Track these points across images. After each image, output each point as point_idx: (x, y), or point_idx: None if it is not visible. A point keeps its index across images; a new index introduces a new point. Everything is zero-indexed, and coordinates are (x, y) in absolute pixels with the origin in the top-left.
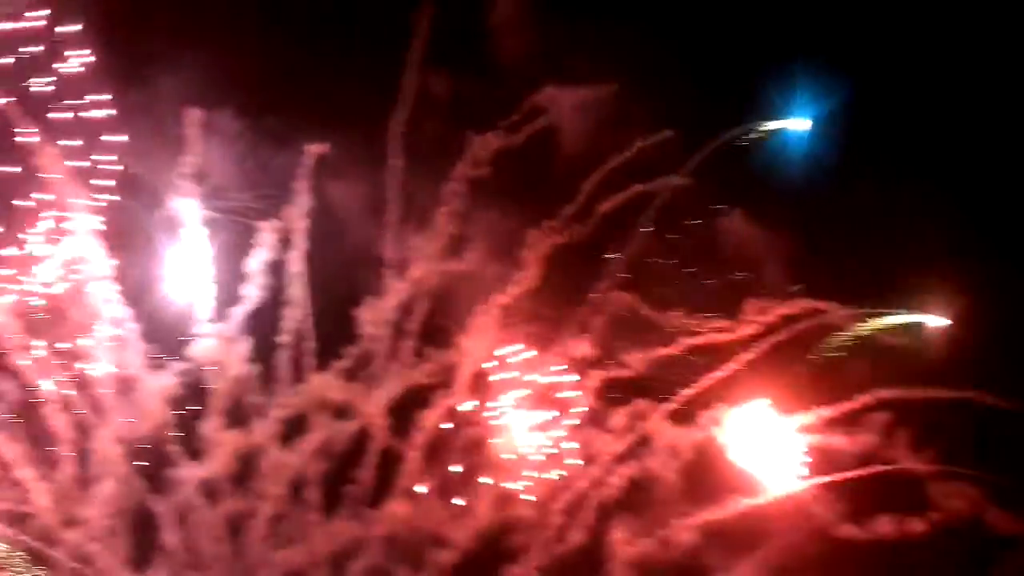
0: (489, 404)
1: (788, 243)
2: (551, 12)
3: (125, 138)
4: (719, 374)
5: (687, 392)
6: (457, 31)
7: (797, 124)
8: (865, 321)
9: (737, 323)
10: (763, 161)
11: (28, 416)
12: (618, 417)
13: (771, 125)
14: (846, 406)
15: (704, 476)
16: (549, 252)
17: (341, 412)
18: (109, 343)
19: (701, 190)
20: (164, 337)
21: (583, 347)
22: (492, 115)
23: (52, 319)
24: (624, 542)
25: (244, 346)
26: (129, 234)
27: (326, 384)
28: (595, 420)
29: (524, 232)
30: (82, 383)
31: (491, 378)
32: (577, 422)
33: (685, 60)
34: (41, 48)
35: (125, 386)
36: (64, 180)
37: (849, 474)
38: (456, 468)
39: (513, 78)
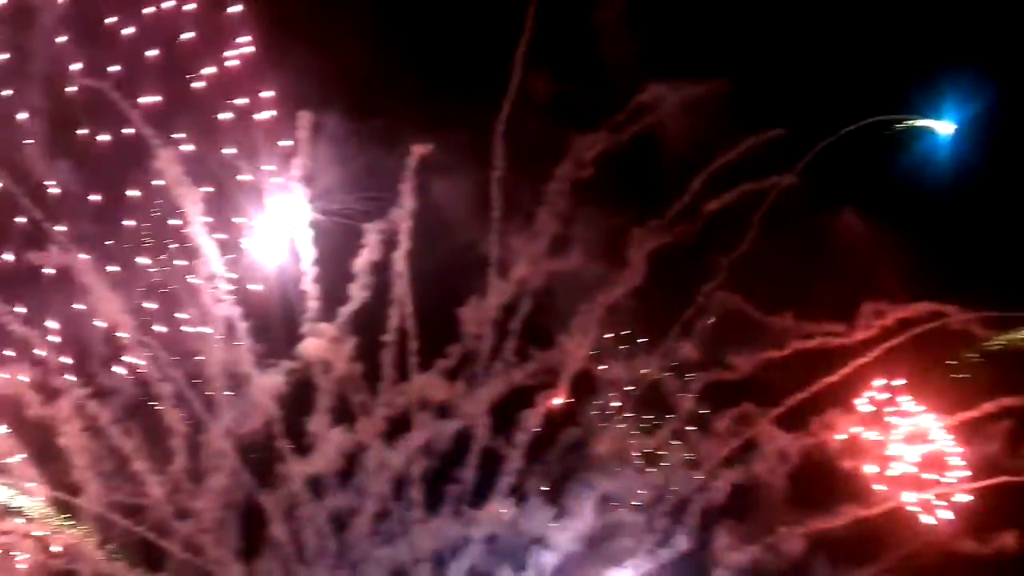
0: (591, 404)
1: (908, 244)
2: (657, 8)
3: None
4: (832, 378)
5: (797, 396)
6: (562, 30)
7: (939, 126)
8: (992, 327)
9: (852, 326)
10: (883, 160)
11: (143, 412)
12: (724, 421)
13: (910, 122)
14: (969, 413)
15: (814, 483)
16: (654, 251)
17: (443, 411)
18: (220, 341)
19: (815, 189)
20: (273, 336)
21: (688, 348)
22: (597, 114)
23: (166, 317)
24: (729, 548)
25: (350, 345)
26: (239, 234)
27: (429, 383)
28: (700, 423)
29: (628, 231)
30: (195, 380)
31: (593, 379)
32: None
33: (796, 56)
34: None
35: (236, 383)
36: (175, 177)
37: (971, 484)
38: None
39: (618, 77)
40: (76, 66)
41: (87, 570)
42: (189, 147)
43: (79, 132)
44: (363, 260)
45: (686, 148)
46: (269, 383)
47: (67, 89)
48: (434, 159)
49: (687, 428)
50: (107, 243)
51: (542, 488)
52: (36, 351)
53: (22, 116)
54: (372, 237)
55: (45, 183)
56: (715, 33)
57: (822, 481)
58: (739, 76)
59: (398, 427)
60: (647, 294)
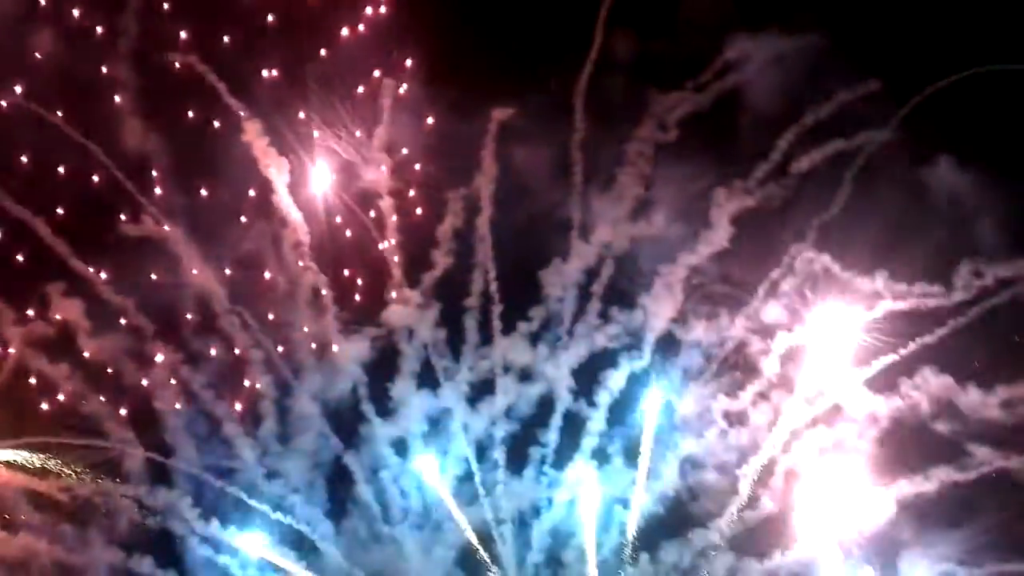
0: (675, 368)
1: (1007, 200)
2: None
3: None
4: (924, 340)
5: (888, 359)
6: None
7: None
8: None
9: (947, 287)
10: (984, 112)
11: (235, 377)
12: (809, 383)
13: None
14: None
15: (904, 446)
16: (739, 212)
17: (526, 375)
18: (308, 309)
19: (910, 144)
20: (358, 304)
21: (775, 310)
22: (680, 73)
23: (256, 287)
24: (815, 512)
25: (433, 311)
26: (323, 204)
27: (512, 347)
28: (785, 385)
29: (713, 192)
30: (284, 346)
31: (676, 340)
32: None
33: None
34: None
35: (322, 350)
36: (262, 147)
37: None
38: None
39: (701, 33)
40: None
41: (180, 528)
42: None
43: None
44: (446, 227)
45: (774, 105)
46: (354, 349)
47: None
48: (515, 124)
49: (772, 390)
50: (198, 214)
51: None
52: (131, 319)
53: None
54: (454, 203)
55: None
56: None
57: (913, 444)
58: (829, 27)
59: (481, 390)
60: (732, 255)
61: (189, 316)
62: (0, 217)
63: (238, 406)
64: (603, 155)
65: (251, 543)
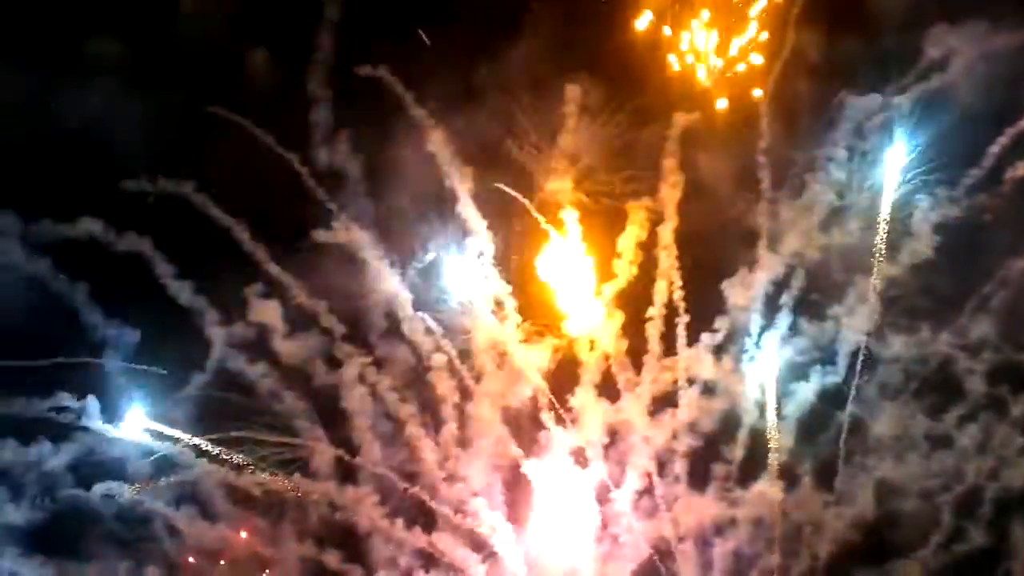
0: (870, 383)
1: None
2: None
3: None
4: None
5: None
6: None
7: None
8: None
9: None
10: None
11: (418, 381)
12: (1018, 405)
13: None
14: None
15: None
16: (945, 221)
17: (710, 388)
18: (490, 317)
19: None
20: (541, 312)
21: (982, 326)
22: (877, 73)
23: (439, 293)
24: None
25: (616, 322)
26: (503, 215)
27: (696, 359)
28: (994, 408)
29: (915, 200)
30: (465, 353)
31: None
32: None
33: None
34: None
35: (503, 357)
36: (446, 157)
37: None
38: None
39: (898, 28)
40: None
41: (366, 525)
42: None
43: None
44: (628, 237)
45: (983, 106)
46: (535, 357)
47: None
48: (699, 129)
49: (980, 411)
50: (385, 222)
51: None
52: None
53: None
54: (638, 214)
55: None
56: None
57: None
58: None
59: (664, 402)
60: (935, 266)
61: (377, 321)
62: (205, 223)
63: (419, 409)
64: (792, 161)
65: (431, 543)
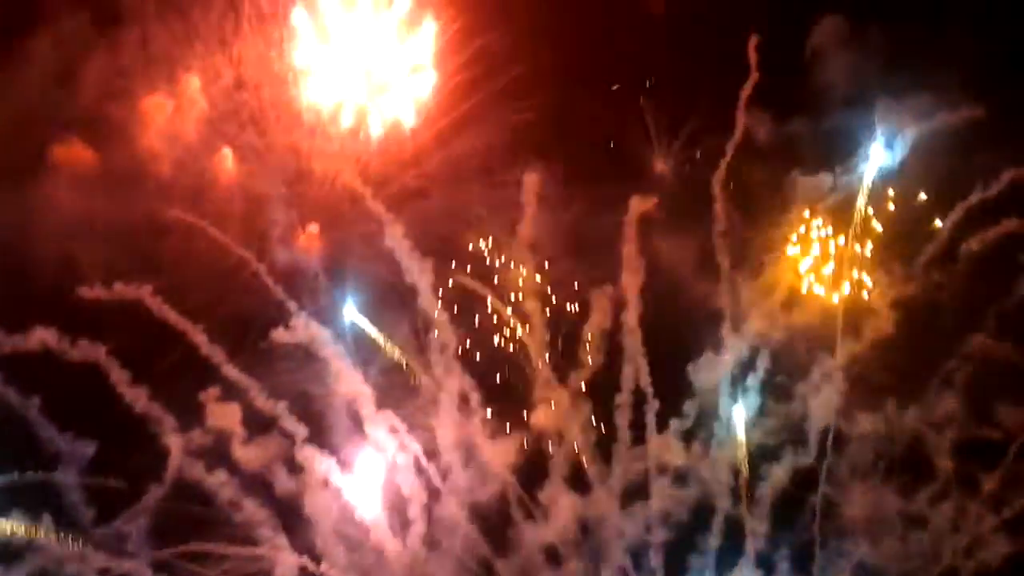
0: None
1: None
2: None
3: None
4: None
5: None
6: (778, 67)
7: None
8: None
9: None
10: None
11: (384, 479)
12: (990, 481)
13: None
14: None
15: None
16: (903, 298)
17: (681, 476)
18: (454, 412)
19: None
20: (505, 406)
21: (947, 403)
22: (824, 153)
23: (401, 392)
24: None
25: (584, 412)
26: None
27: (665, 446)
28: (964, 485)
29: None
30: (431, 450)
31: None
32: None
33: None
34: None
35: (469, 452)
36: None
37: None
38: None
39: (845, 107)
40: None
41: None
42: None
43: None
44: (593, 323)
45: (934, 182)
46: (502, 451)
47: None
48: (656, 214)
49: (951, 488)
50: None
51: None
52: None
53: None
54: (600, 300)
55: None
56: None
57: None
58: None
59: (635, 492)
60: (896, 344)
61: (339, 421)
62: (158, 326)
63: (386, 509)
64: (750, 242)
65: None
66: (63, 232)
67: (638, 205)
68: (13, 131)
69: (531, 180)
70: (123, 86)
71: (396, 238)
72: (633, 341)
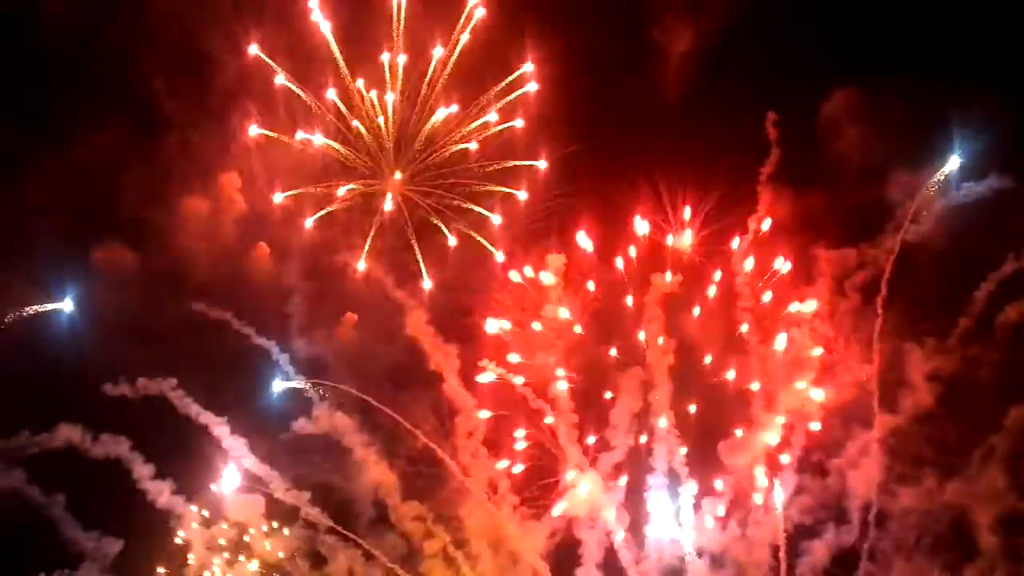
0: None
1: None
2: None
3: None
4: None
5: None
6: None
7: None
8: None
9: None
10: None
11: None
12: None
13: None
14: None
15: None
16: (940, 371)
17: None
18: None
19: None
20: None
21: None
22: (851, 227)
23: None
24: None
25: (614, 495)
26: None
27: (701, 526)
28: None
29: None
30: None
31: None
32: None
33: None
34: None
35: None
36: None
37: None
38: None
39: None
40: None
41: None
42: None
43: None
44: (621, 406)
45: (963, 254)
46: (533, 539)
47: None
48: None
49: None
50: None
51: None
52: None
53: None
54: (628, 382)
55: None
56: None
57: None
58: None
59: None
60: (934, 417)
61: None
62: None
63: None
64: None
65: None
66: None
67: (661, 284)
68: None
69: (556, 261)
70: None
71: (419, 326)
72: (665, 421)
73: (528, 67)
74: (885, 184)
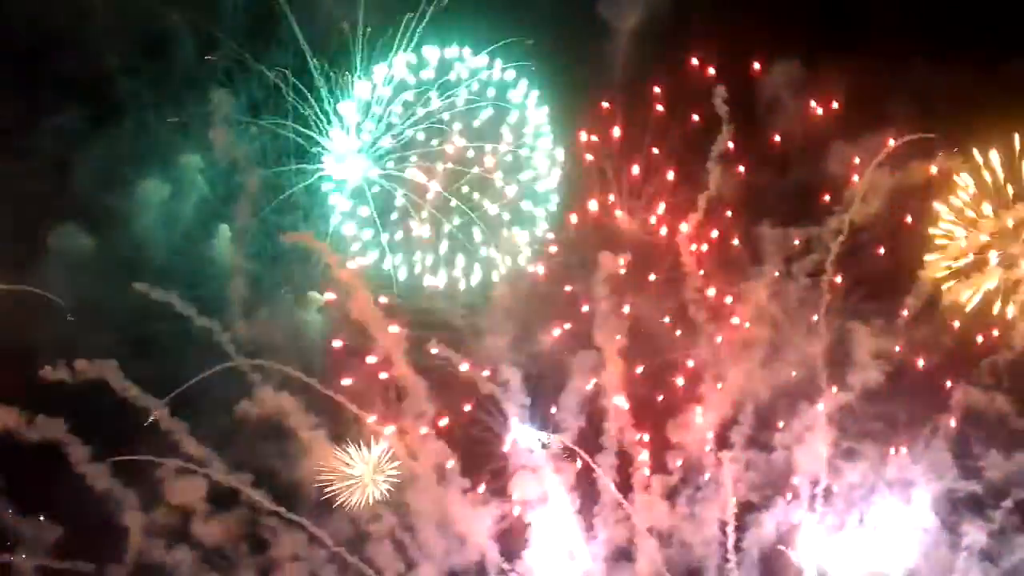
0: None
1: None
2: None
3: None
4: None
5: None
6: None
7: None
8: None
9: None
10: None
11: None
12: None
13: None
14: None
15: None
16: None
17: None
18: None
19: None
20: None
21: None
22: (794, 205)
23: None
24: None
25: (565, 475)
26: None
27: (650, 506)
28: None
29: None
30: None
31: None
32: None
33: None
34: None
35: (447, 521)
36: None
37: None
38: None
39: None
40: None
41: None
42: None
43: None
44: (573, 388)
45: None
46: (481, 521)
47: None
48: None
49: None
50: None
51: None
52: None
53: None
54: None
55: None
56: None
57: None
58: None
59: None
60: (879, 395)
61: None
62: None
63: None
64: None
65: None
66: None
67: (608, 263)
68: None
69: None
70: None
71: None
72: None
73: None
74: (831, 163)
